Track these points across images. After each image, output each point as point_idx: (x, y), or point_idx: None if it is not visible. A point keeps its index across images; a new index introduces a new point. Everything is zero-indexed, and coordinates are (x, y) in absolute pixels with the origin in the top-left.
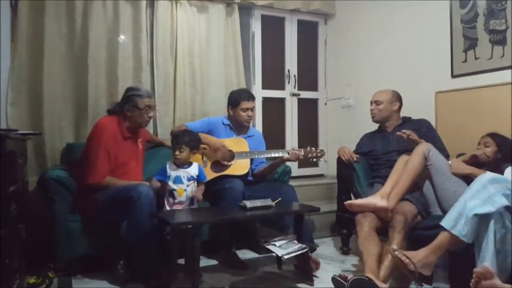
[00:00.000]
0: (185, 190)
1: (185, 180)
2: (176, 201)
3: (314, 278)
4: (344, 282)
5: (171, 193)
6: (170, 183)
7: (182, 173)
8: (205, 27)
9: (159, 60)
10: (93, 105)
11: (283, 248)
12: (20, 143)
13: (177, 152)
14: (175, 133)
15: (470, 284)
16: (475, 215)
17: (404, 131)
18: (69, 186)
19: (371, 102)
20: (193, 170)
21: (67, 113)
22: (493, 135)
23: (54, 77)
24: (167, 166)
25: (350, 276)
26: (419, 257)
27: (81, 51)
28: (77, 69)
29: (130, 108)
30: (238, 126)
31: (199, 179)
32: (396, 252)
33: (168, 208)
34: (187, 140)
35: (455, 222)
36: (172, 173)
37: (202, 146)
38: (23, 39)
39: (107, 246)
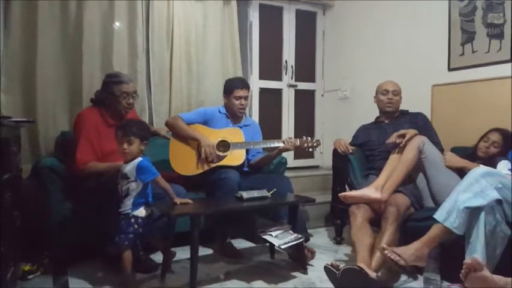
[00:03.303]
0: (116, 187)
1: (119, 177)
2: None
3: (308, 266)
4: (336, 271)
5: None
6: None
7: (122, 168)
8: (202, 15)
9: (155, 48)
10: (88, 92)
11: (280, 238)
12: (13, 131)
13: (125, 145)
14: (119, 124)
15: (460, 274)
16: (466, 207)
17: (398, 137)
18: (63, 174)
19: (386, 91)
20: (130, 167)
21: (61, 101)
22: (505, 135)
23: (48, 64)
24: None
25: (342, 265)
26: (410, 251)
27: (76, 38)
28: (71, 57)
29: (107, 95)
30: (233, 115)
31: (140, 180)
32: (386, 251)
33: None
34: (135, 130)
35: (448, 214)
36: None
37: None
38: (16, 25)
39: (100, 234)
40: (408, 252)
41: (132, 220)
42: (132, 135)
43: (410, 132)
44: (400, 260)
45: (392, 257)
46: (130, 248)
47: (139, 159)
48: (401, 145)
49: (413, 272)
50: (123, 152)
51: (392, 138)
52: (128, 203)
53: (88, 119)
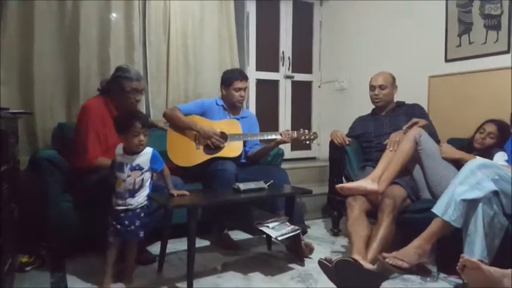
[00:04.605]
0: (124, 181)
1: (126, 169)
2: (116, 190)
3: (305, 258)
4: (329, 264)
5: (114, 181)
6: (115, 169)
7: (126, 160)
8: (199, 7)
9: (152, 40)
10: (85, 84)
11: (277, 229)
12: (11, 122)
13: (142, 137)
14: (132, 114)
15: (457, 267)
16: (463, 200)
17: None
18: (61, 166)
19: (373, 87)
20: (142, 158)
21: (58, 93)
22: (500, 126)
23: (45, 56)
24: (116, 149)
25: (335, 257)
26: (411, 250)
27: (72, 30)
28: (68, 48)
29: (116, 89)
30: (232, 107)
31: (154, 169)
32: (386, 259)
33: (113, 196)
34: (147, 122)
35: (446, 208)
36: (118, 158)
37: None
38: (13, 17)
39: (99, 226)
40: (410, 252)
41: (147, 211)
42: (148, 126)
43: (422, 121)
44: (402, 264)
45: (394, 263)
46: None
47: (150, 149)
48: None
49: (422, 269)
50: (139, 144)
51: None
52: (144, 194)
53: (95, 111)
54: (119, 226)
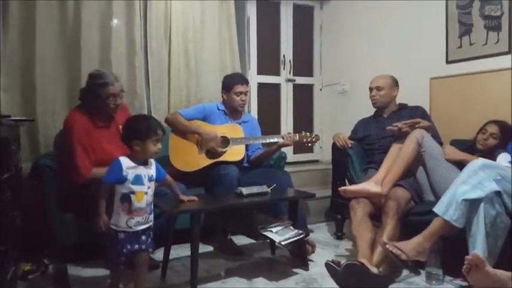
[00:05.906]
0: (146, 193)
1: (146, 181)
2: (134, 207)
3: (309, 262)
4: (337, 267)
5: (127, 197)
6: (128, 184)
7: (143, 171)
8: (199, 12)
9: (153, 45)
10: None
11: (280, 234)
12: (13, 130)
13: (159, 145)
14: (152, 119)
15: (462, 270)
16: (465, 200)
17: (395, 124)
18: (63, 176)
19: (370, 89)
20: (153, 167)
21: (60, 99)
22: (502, 127)
23: (47, 62)
24: (121, 163)
25: (343, 261)
26: (411, 245)
27: (74, 35)
28: (70, 54)
29: (93, 98)
30: (233, 111)
31: (159, 178)
32: (387, 245)
33: (125, 217)
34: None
35: (447, 207)
36: (130, 171)
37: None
38: (15, 23)
39: (100, 234)
40: (409, 246)
41: None
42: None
43: (424, 122)
44: (401, 255)
45: (394, 251)
46: None
47: (152, 159)
48: (402, 130)
49: (415, 266)
50: (157, 151)
51: (402, 125)
52: (152, 205)
53: (78, 123)
54: (136, 246)
